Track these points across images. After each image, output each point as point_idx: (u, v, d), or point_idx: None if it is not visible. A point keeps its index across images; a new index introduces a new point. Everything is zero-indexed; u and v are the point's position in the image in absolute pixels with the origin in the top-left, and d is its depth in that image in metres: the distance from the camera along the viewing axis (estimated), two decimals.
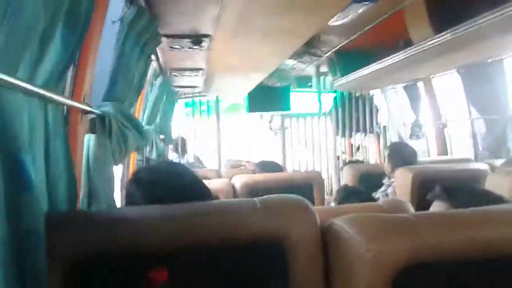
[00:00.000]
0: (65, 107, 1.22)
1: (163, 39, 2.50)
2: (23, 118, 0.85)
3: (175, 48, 2.73)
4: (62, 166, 1.05)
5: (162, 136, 4.14)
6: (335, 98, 5.73)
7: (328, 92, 5.74)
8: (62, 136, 1.08)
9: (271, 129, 6.51)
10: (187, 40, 2.57)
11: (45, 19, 0.88)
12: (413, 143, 4.04)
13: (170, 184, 1.12)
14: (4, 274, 0.72)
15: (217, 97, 5.83)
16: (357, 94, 5.59)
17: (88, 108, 1.37)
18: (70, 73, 1.29)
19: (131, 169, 2.85)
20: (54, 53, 0.98)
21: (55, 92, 1.02)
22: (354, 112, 5.65)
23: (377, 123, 5.60)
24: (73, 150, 1.21)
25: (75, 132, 1.29)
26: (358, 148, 5.86)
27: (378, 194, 2.85)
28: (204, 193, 1.15)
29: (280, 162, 4.45)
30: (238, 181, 2.66)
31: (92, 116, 1.43)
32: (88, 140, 1.41)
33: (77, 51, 1.15)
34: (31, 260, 0.81)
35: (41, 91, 0.93)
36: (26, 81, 0.86)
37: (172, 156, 4.97)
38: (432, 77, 4.16)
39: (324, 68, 4.91)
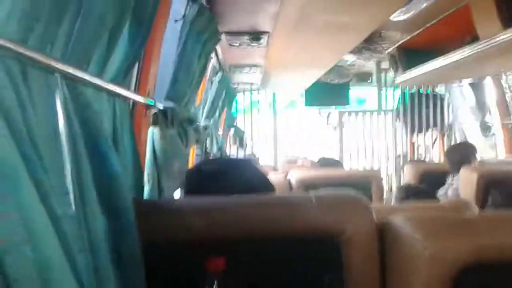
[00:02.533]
0: (131, 101, 1.29)
1: (223, 36, 2.54)
2: (94, 111, 0.90)
3: (234, 45, 2.77)
4: (129, 157, 1.11)
5: (221, 131, 4.22)
6: (399, 95, 5.58)
7: (390, 88, 5.60)
8: (129, 129, 1.13)
9: (328, 124, 6.44)
10: (246, 37, 2.61)
11: (114, 17, 0.93)
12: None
13: (234, 176, 1.14)
14: (105, 255, 0.77)
15: (273, 94, 5.85)
16: (422, 91, 5.41)
17: (152, 103, 1.43)
18: (135, 69, 1.36)
19: (191, 162, 2.93)
20: (121, 49, 1.03)
21: (121, 86, 1.07)
22: (417, 110, 5.47)
23: (442, 121, 5.40)
24: (138, 142, 1.27)
25: (139, 125, 1.35)
26: (427, 147, 5.68)
27: (438, 194, 2.77)
28: (266, 187, 1.16)
29: (338, 159, 4.40)
30: (294, 176, 2.67)
31: (155, 110, 1.49)
32: (152, 133, 1.47)
33: (142, 48, 1.20)
34: (126, 241, 0.86)
35: (109, 86, 0.99)
36: (96, 76, 0.92)
37: (232, 150, 5.05)
38: (502, 74, 3.96)
39: (385, 65, 4.80)
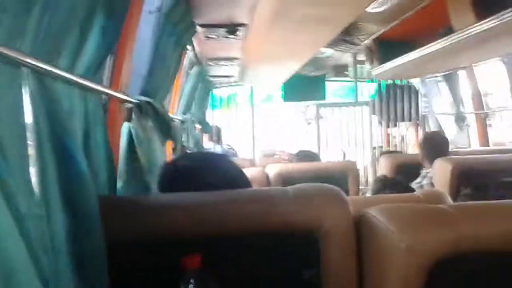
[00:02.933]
0: (104, 96, 1.26)
1: (199, 29, 2.51)
2: (65, 106, 0.88)
3: (211, 37, 2.75)
4: (101, 154, 1.09)
5: (198, 126, 4.19)
6: (375, 88, 5.64)
7: (366, 81, 5.64)
8: (102, 125, 1.11)
9: (305, 118, 6.47)
10: (223, 29, 2.59)
11: (85, 8, 0.90)
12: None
13: (209, 172, 1.13)
14: (68, 256, 0.75)
15: (251, 87, 5.84)
16: (397, 83, 5.47)
17: (126, 98, 1.40)
18: (108, 63, 1.33)
19: (168, 157, 2.90)
20: (93, 42, 1.00)
21: (94, 81, 1.05)
22: (393, 102, 5.54)
23: (417, 113, 5.48)
24: (112, 138, 1.25)
25: (113, 120, 1.32)
26: (402, 138, 5.75)
27: (413, 185, 2.80)
28: (243, 181, 1.15)
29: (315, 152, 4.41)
30: (272, 170, 2.67)
31: (130, 105, 1.46)
32: (126, 129, 1.44)
33: (115, 41, 1.18)
34: (90, 241, 0.84)
35: (81, 81, 0.96)
36: (67, 71, 0.89)
37: (208, 145, 5.02)
38: (474, 65, 4.03)
39: (361, 57, 4.83)
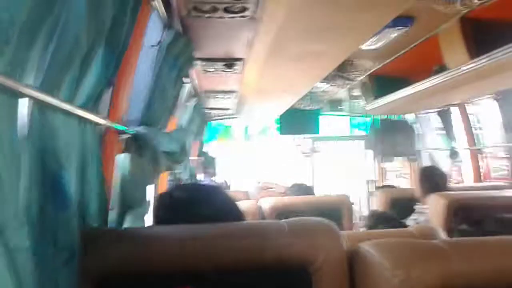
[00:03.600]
0: (102, 127, 1.27)
1: (197, 62, 2.55)
2: (63, 137, 0.89)
3: (209, 71, 2.78)
4: (95, 184, 1.09)
5: (193, 157, 4.19)
6: (370, 122, 5.70)
7: (360, 116, 5.71)
8: (97, 155, 1.11)
9: (301, 152, 6.49)
10: (221, 63, 2.62)
11: (87, 41, 0.92)
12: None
13: (203, 204, 1.13)
14: (39, 286, 0.74)
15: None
16: (391, 118, 5.53)
17: (124, 129, 1.42)
18: (107, 93, 1.34)
19: (163, 189, 2.89)
20: (93, 74, 1.02)
21: (93, 112, 1.06)
22: (387, 137, 5.58)
23: (411, 148, 5.51)
24: (107, 169, 1.25)
25: (110, 151, 1.33)
26: (397, 174, 5.76)
27: (409, 222, 2.78)
28: (236, 214, 1.15)
29: (310, 185, 4.41)
30: (266, 203, 2.66)
31: (127, 136, 1.47)
32: (122, 159, 1.44)
33: (115, 73, 1.20)
34: (64, 274, 0.83)
35: (80, 112, 0.97)
36: (67, 102, 0.90)
37: (201, 177, 5.02)
38: (467, 103, 4.09)
39: (356, 92, 4.90)
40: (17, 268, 0.63)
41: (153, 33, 1.72)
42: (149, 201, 1.62)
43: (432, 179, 2.79)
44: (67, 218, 0.86)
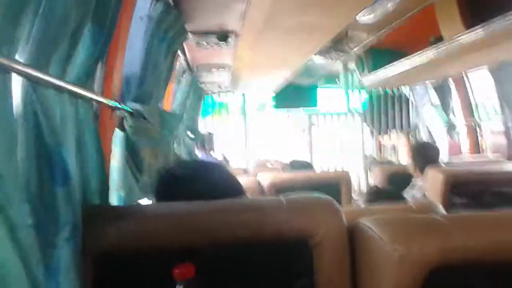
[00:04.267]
0: (95, 103, 1.24)
1: (190, 36, 2.51)
2: (56, 114, 0.87)
3: (202, 44, 2.74)
4: (93, 161, 1.08)
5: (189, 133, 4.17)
6: (367, 96, 5.68)
7: (356, 89, 5.68)
8: (93, 132, 1.10)
9: (297, 126, 6.49)
10: (213, 36, 2.59)
11: (75, 16, 0.90)
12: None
13: (204, 180, 1.12)
14: (38, 264, 0.74)
15: (243, 95, 5.84)
16: (388, 92, 5.52)
17: (118, 105, 1.39)
18: (99, 69, 1.31)
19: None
20: (83, 49, 1.00)
21: (85, 88, 1.04)
22: (384, 111, 5.58)
23: (408, 121, 5.52)
24: (104, 146, 1.23)
25: (105, 128, 1.31)
26: (394, 147, 5.77)
27: (404, 194, 2.80)
28: (237, 190, 1.15)
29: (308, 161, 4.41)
30: (265, 179, 2.66)
31: (122, 112, 1.45)
32: (118, 136, 1.43)
33: (106, 47, 1.17)
34: (67, 250, 0.83)
35: (72, 87, 0.95)
36: (58, 78, 0.88)
37: (199, 153, 5.01)
38: (463, 74, 4.07)
39: (352, 65, 4.87)
40: (21, 245, 0.63)
41: (143, 5, 1.67)
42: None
43: (425, 154, 2.83)
44: (67, 195, 0.86)
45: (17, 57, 0.74)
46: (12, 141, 0.70)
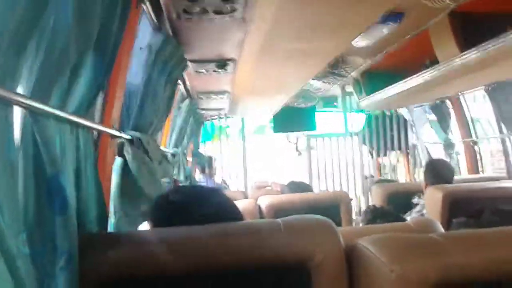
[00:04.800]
0: (95, 132, 1.27)
1: (189, 64, 2.56)
2: (56, 144, 0.89)
3: (201, 72, 2.79)
4: (92, 189, 1.09)
5: (189, 158, 4.19)
6: (365, 118, 5.71)
7: (354, 111, 5.72)
8: (92, 160, 1.11)
9: (297, 150, 6.50)
10: (212, 64, 2.63)
11: (77, 47, 0.92)
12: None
13: (201, 205, 1.12)
14: None
15: (242, 119, 5.88)
16: (386, 113, 5.56)
17: (118, 133, 1.42)
18: (100, 98, 1.34)
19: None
20: (84, 80, 1.02)
21: (85, 118, 1.06)
22: (382, 132, 5.61)
23: (406, 142, 5.53)
24: (103, 174, 1.25)
25: (104, 156, 1.33)
26: (393, 168, 5.77)
27: (413, 214, 2.76)
28: (234, 214, 1.15)
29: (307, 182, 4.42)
30: (264, 201, 2.67)
31: (122, 139, 1.47)
32: (118, 164, 1.45)
33: (107, 77, 1.20)
34: (64, 279, 0.84)
35: (72, 118, 0.97)
36: (58, 108, 0.90)
37: (199, 178, 5.02)
38: (460, 95, 4.11)
39: (349, 88, 4.91)
40: (18, 274, 0.63)
41: (143, 37, 1.72)
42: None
43: (438, 172, 2.74)
44: (66, 223, 0.87)
45: (18, 89, 0.76)
46: (12, 170, 0.71)
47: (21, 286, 0.63)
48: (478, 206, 2.27)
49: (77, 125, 1.02)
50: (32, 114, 0.81)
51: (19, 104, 0.76)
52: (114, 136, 1.39)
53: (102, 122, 1.35)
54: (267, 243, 0.99)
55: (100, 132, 1.29)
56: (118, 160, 1.45)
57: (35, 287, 0.74)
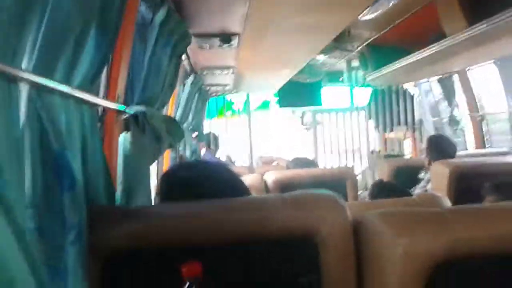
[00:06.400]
0: (100, 108, 1.26)
1: (193, 39, 2.53)
2: (61, 119, 0.89)
3: (205, 47, 2.76)
4: (98, 165, 1.09)
5: (194, 134, 4.19)
6: (371, 93, 5.67)
7: (361, 86, 5.68)
8: (98, 136, 1.12)
9: (302, 124, 6.49)
10: (216, 39, 2.60)
11: (79, 22, 0.91)
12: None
13: (208, 181, 1.13)
14: (48, 264, 0.76)
15: (247, 95, 5.86)
16: (393, 88, 5.51)
17: (123, 108, 1.41)
18: (104, 74, 1.34)
19: (165, 166, 2.91)
20: (88, 55, 1.01)
21: (90, 93, 1.05)
22: (388, 107, 5.57)
23: (412, 117, 5.50)
24: (109, 149, 1.25)
25: (110, 131, 1.33)
26: (399, 143, 5.75)
27: (417, 190, 2.77)
28: (241, 189, 1.15)
29: (312, 158, 4.42)
30: (270, 177, 2.67)
31: (126, 115, 1.47)
32: (123, 139, 1.45)
33: (110, 52, 1.19)
34: (73, 252, 0.85)
35: (77, 93, 0.97)
36: (63, 84, 0.90)
37: (204, 153, 5.03)
38: (468, 69, 4.06)
39: (355, 63, 4.87)
40: (27, 248, 0.64)
41: (145, 11, 1.70)
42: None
43: (441, 148, 2.76)
44: (73, 197, 0.88)
45: (22, 65, 0.76)
46: (18, 147, 0.71)
47: (30, 259, 0.64)
48: (485, 181, 2.27)
49: (82, 100, 1.02)
50: (36, 89, 0.81)
51: (23, 79, 0.75)
52: (119, 111, 1.39)
53: (107, 97, 1.34)
54: (273, 217, 1.00)
55: (105, 107, 1.29)
56: (123, 136, 1.45)
57: (45, 260, 0.75)
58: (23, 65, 0.77)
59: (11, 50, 0.71)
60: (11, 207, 0.61)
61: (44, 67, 0.83)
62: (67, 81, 0.93)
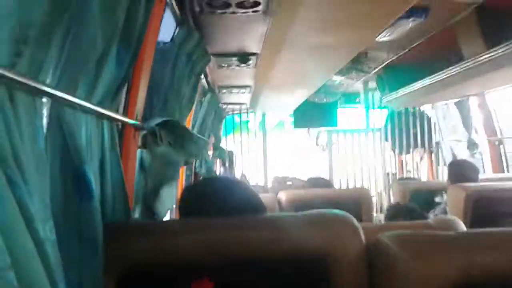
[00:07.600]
0: (119, 123, 1.29)
1: (212, 58, 2.56)
2: (82, 134, 0.91)
3: (223, 66, 2.79)
4: (116, 179, 1.11)
5: (211, 152, 4.22)
6: (387, 115, 5.65)
7: (377, 108, 5.66)
8: (116, 151, 1.13)
9: (317, 145, 6.47)
10: (235, 58, 2.63)
11: (102, 41, 0.94)
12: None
13: (228, 196, 1.14)
14: (63, 280, 0.77)
15: (263, 114, 5.88)
16: (410, 110, 5.48)
17: (141, 125, 1.44)
18: (124, 91, 1.36)
19: (180, 183, 2.92)
20: (109, 72, 1.03)
21: (110, 109, 1.08)
22: (405, 128, 5.53)
23: (430, 140, 5.45)
24: (127, 164, 1.27)
25: (128, 147, 1.35)
26: (416, 166, 5.69)
27: (436, 212, 2.74)
28: (258, 207, 1.16)
29: (327, 178, 4.39)
30: (284, 196, 2.67)
31: (144, 132, 1.49)
32: (141, 155, 1.47)
33: (131, 70, 1.21)
34: (89, 267, 0.86)
35: (98, 109, 0.99)
36: (84, 100, 0.92)
37: (220, 171, 5.04)
38: (486, 92, 4.03)
39: (372, 84, 4.86)
40: (47, 259, 0.65)
41: (166, 30, 1.73)
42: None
43: (463, 173, 2.73)
44: (91, 212, 0.89)
45: (46, 80, 0.78)
46: (41, 160, 0.73)
47: (49, 270, 0.65)
48: (502, 205, 2.23)
49: (102, 116, 1.04)
50: (59, 105, 0.83)
51: (47, 94, 0.77)
52: (137, 127, 1.41)
53: (126, 113, 1.37)
54: (287, 236, 1.00)
55: (124, 124, 1.31)
56: (140, 152, 1.47)
57: (62, 273, 0.76)
58: (48, 80, 0.79)
59: (37, 65, 0.73)
60: (33, 218, 0.62)
61: (67, 83, 0.85)
62: (89, 97, 0.95)
